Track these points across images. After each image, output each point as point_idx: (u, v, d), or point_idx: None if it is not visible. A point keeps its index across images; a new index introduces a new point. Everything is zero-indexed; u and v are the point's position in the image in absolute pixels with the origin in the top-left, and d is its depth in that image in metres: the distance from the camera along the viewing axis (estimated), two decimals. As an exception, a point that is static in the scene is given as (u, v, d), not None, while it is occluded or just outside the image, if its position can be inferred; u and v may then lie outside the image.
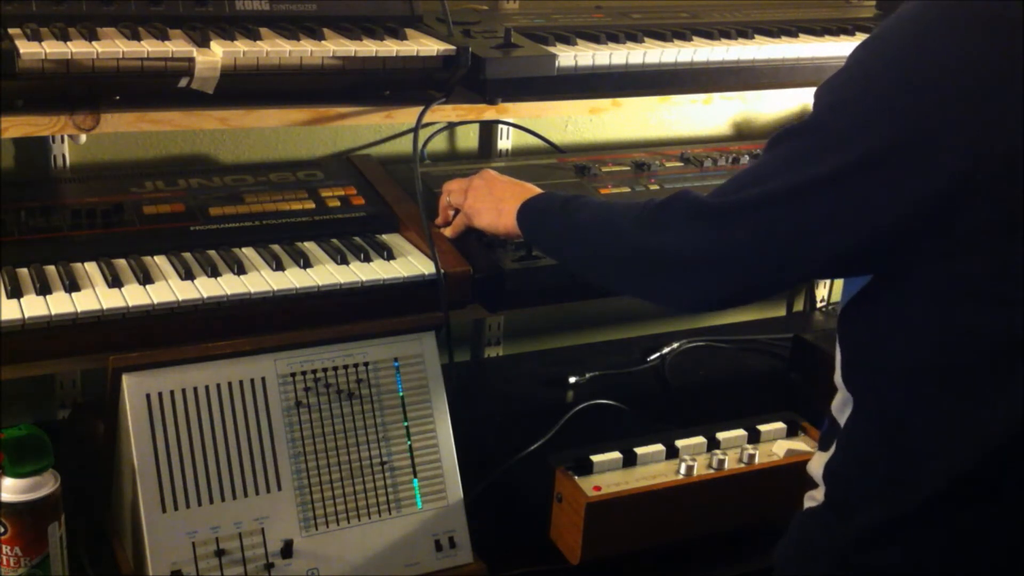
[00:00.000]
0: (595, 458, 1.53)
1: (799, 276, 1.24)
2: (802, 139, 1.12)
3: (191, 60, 1.42)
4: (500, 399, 1.99)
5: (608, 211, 1.33)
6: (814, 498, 1.27)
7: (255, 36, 1.50)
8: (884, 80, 1.07)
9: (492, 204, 1.53)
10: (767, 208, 1.12)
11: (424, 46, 1.56)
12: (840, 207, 1.08)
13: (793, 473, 1.58)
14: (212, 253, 1.54)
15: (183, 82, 1.43)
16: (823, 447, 1.28)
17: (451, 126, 2.05)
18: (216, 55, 1.43)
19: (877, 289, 1.14)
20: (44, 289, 1.39)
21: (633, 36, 1.79)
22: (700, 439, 1.60)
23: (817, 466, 1.27)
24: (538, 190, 1.50)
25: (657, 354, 2.13)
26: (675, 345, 2.16)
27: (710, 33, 1.85)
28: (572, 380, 2.00)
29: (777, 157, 1.14)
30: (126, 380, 1.33)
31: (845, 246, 1.10)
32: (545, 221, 1.44)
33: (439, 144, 2.06)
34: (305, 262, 1.53)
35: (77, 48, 1.36)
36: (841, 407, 1.24)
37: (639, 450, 1.56)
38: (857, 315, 1.18)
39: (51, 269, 1.45)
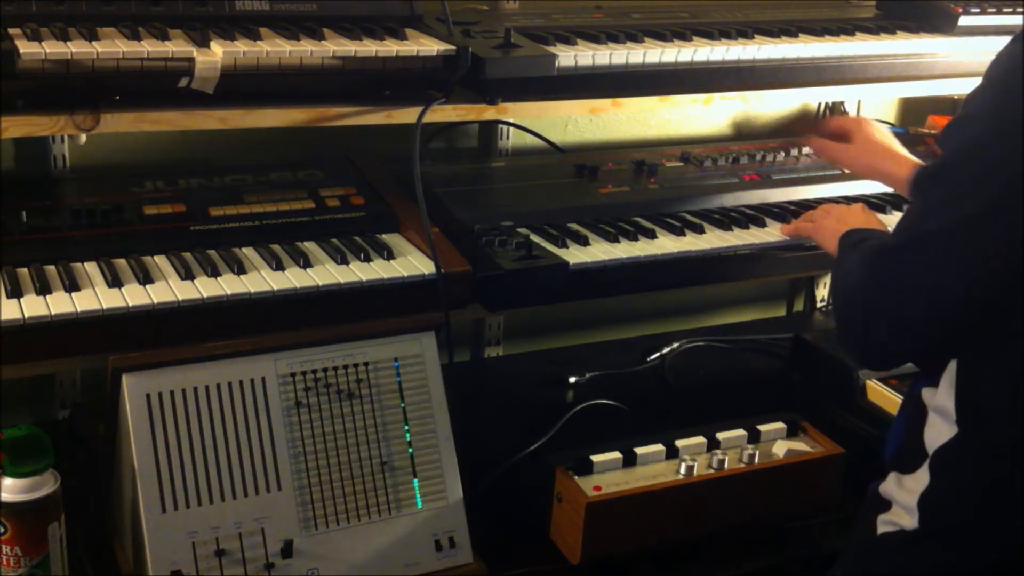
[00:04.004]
0: (595, 458, 1.53)
1: (941, 318, 1.20)
2: (938, 184, 1.17)
3: (191, 60, 1.42)
4: (500, 399, 1.99)
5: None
6: (894, 523, 1.25)
7: (255, 36, 1.50)
8: (1002, 126, 1.11)
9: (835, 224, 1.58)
10: (909, 252, 1.16)
11: (424, 46, 1.56)
12: (969, 250, 1.12)
13: (793, 473, 1.58)
14: (212, 253, 1.54)
15: (183, 82, 1.43)
16: (902, 469, 1.26)
17: (451, 126, 2.05)
18: (216, 55, 1.43)
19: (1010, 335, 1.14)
20: (44, 289, 1.39)
21: (633, 36, 1.79)
22: (700, 439, 1.60)
23: (896, 489, 1.25)
24: (866, 224, 1.50)
25: (657, 354, 2.13)
26: (675, 345, 2.16)
27: (710, 33, 1.85)
28: (572, 380, 2.00)
29: (921, 201, 1.19)
30: (126, 380, 1.33)
31: (976, 286, 1.13)
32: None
33: (439, 144, 2.06)
34: (305, 262, 1.53)
35: (77, 48, 1.36)
36: (937, 434, 1.21)
37: (639, 450, 1.56)
38: (987, 356, 1.17)
39: (51, 269, 1.45)
